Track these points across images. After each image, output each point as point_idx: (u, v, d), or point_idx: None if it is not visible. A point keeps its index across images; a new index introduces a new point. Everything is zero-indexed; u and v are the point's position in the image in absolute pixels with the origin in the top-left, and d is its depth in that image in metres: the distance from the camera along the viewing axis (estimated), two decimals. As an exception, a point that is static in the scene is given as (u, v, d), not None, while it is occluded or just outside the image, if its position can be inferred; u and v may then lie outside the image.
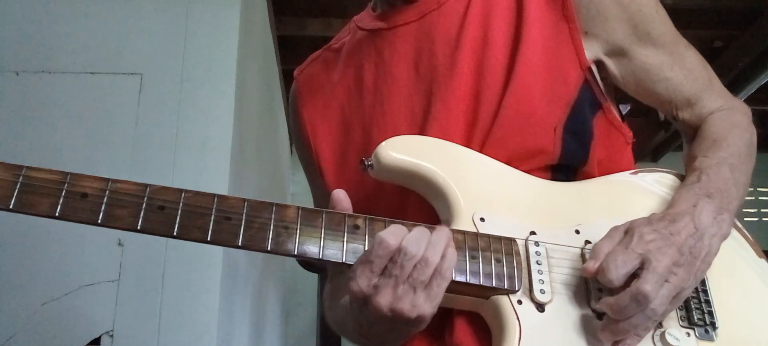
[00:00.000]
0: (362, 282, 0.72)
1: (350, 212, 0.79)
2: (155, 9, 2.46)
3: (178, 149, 2.31)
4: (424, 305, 0.73)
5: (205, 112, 2.37)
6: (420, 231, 0.74)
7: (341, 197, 0.79)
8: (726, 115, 0.99)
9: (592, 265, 0.78)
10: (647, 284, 0.74)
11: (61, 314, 2.10)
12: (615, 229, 0.82)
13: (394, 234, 0.72)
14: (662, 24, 0.97)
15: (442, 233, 0.75)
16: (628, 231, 0.80)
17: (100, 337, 2.11)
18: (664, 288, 0.75)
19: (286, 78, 4.12)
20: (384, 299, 0.72)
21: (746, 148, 0.95)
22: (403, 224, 0.78)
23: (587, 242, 0.85)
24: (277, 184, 4.30)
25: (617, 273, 0.75)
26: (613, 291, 0.77)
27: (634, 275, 0.76)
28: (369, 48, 1.03)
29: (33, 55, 2.35)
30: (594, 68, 0.95)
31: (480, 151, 0.89)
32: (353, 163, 0.96)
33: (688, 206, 0.84)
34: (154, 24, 2.44)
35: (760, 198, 6.08)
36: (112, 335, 2.11)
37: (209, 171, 2.31)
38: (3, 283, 2.11)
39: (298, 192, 5.23)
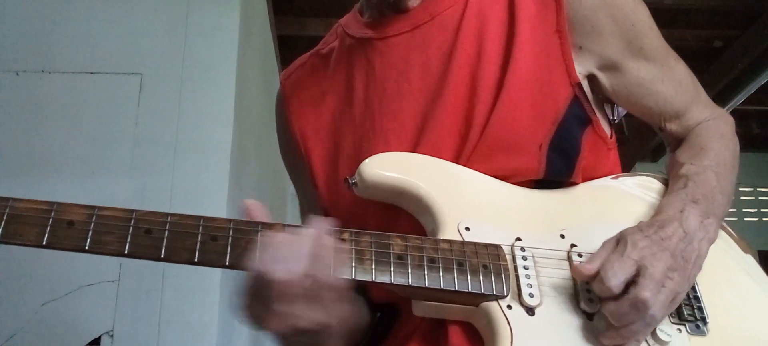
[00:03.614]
0: (248, 313, 0.74)
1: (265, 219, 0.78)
2: (155, 9, 2.46)
3: (178, 149, 2.32)
4: (322, 317, 0.72)
5: (205, 112, 2.37)
6: (301, 244, 0.72)
7: (251, 208, 0.78)
8: (712, 125, 1.00)
9: (588, 267, 0.78)
10: (646, 290, 0.75)
11: (61, 314, 2.11)
12: (607, 241, 0.82)
13: (262, 261, 0.70)
14: (655, 38, 0.98)
15: (328, 241, 0.73)
16: (619, 240, 0.81)
17: (100, 337, 2.12)
18: (662, 293, 0.76)
19: (287, 78, 4.10)
20: (274, 324, 0.72)
21: (731, 158, 0.97)
22: (382, 236, 0.79)
23: (573, 245, 0.86)
24: (277, 184, 4.30)
25: (616, 280, 0.76)
26: (608, 299, 0.77)
27: (631, 282, 0.76)
28: (359, 57, 1.01)
29: (33, 55, 2.35)
30: (584, 83, 0.95)
31: (467, 166, 0.89)
32: (343, 176, 0.96)
33: (675, 211, 0.85)
34: (154, 24, 2.44)
35: (760, 198, 6.07)
36: (112, 335, 2.12)
37: (209, 171, 2.31)
38: (3, 283, 2.12)
39: (298, 192, 5.21)
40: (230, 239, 0.75)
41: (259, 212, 0.78)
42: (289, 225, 0.78)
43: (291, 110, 1.08)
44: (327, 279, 0.72)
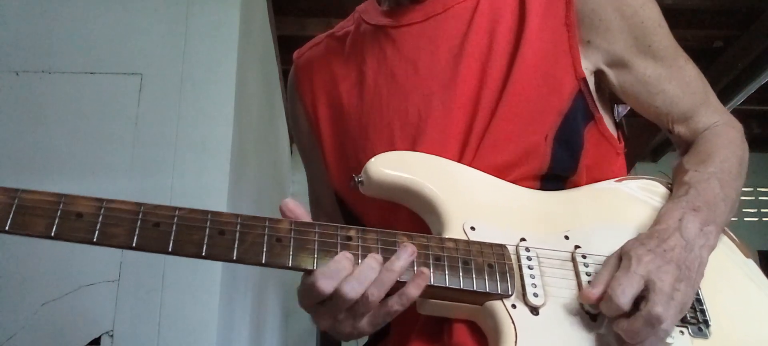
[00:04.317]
0: (304, 303, 0.78)
1: (304, 218, 0.80)
2: (155, 9, 2.46)
3: (178, 149, 2.31)
4: (365, 327, 0.77)
5: (205, 112, 2.37)
6: (368, 267, 0.75)
7: (291, 207, 0.80)
8: (721, 130, 0.99)
9: (594, 291, 0.78)
10: (658, 305, 0.74)
11: (61, 314, 2.10)
12: (608, 259, 0.82)
13: (328, 278, 0.74)
14: (664, 37, 0.97)
15: (395, 266, 0.76)
16: (622, 256, 0.80)
17: (100, 337, 2.11)
18: (672, 306, 0.76)
19: (286, 78, 4.11)
20: (323, 322, 0.77)
21: (738, 166, 0.96)
22: (388, 233, 0.79)
23: (576, 246, 0.86)
24: (277, 184, 4.30)
25: (625, 298, 0.75)
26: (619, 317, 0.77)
27: (640, 298, 0.76)
28: (373, 44, 1.03)
29: (33, 55, 2.35)
30: (590, 79, 0.95)
31: (474, 157, 0.90)
32: (350, 160, 0.97)
33: (673, 221, 0.84)
34: (154, 24, 2.44)
35: (760, 198, 6.08)
36: (112, 335, 2.11)
37: (209, 171, 2.31)
38: (3, 283, 2.11)
39: (298, 192, 5.23)
40: (238, 233, 0.75)
41: (299, 211, 0.80)
42: (296, 222, 0.78)
43: (303, 89, 1.09)
44: (395, 310, 0.76)
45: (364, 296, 0.74)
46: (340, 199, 1.03)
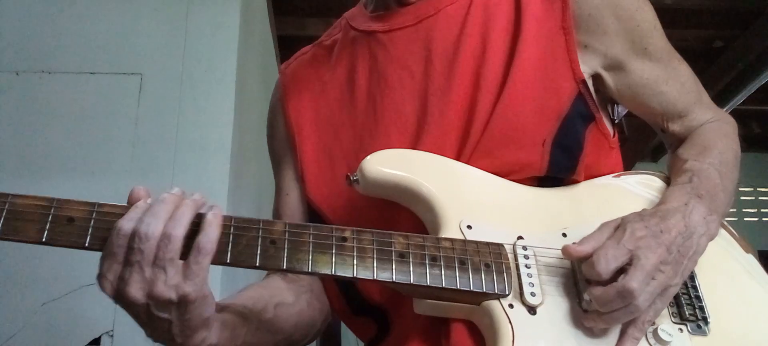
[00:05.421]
0: (110, 277, 0.70)
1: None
2: (155, 9, 2.46)
3: (178, 149, 2.32)
4: (183, 284, 0.70)
5: (205, 112, 2.37)
6: (161, 205, 0.72)
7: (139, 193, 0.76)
8: (716, 126, 1.01)
9: (580, 249, 0.78)
10: (634, 281, 0.74)
11: (61, 314, 2.11)
12: (606, 224, 0.82)
13: (127, 219, 0.71)
14: (659, 39, 0.98)
15: (191, 202, 0.73)
16: (618, 226, 0.80)
17: (100, 337, 2.11)
18: (650, 286, 0.76)
19: (287, 78, 4.10)
20: (135, 288, 0.69)
21: (733, 159, 0.97)
22: (384, 234, 0.78)
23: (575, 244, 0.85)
24: (278, 184, 4.30)
25: (607, 267, 0.75)
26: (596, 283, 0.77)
27: (621, 270, 0.76)
28: (362, 50, 1.01)
29: (33, 55, 2.36)
30: (588, 81, 0.95)
31: (469, 162, 0.89)
32: (341, 169, 0.96)
33: (679, 203, 0.85)
34: (154, 24, 2.44)
35: (760, 198, 6.07)
36: (112, 335, 2.11)
37: (209, 171, 2.31)
38: (3, 283, 2.11)
39: (298, 192, 5.21)
40: (231, 236, 0.75)
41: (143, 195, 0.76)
42: (290, 223, 0.78)
43: (288, 100, 1.07)
44: (209, 247, 0.72)
45: (164, 236, 0.70)
46: (314, 210, 1.00)
